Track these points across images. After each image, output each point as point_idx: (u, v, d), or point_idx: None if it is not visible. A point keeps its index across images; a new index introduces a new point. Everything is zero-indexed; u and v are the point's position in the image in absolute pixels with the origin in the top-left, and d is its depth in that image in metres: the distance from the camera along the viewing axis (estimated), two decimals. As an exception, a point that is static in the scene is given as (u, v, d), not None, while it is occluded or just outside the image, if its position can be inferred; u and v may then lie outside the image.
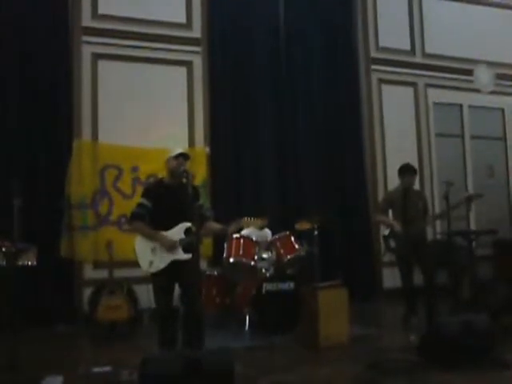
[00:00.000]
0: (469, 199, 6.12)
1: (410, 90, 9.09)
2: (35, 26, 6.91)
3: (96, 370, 4.53)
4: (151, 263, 4.46)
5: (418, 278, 6.18)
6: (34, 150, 6.75)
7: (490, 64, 9.53)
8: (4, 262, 4.94)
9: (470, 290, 6.88)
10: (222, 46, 7.88)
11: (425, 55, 9.24)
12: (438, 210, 8.32)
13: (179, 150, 4.63)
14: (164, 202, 4.50)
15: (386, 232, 6.33)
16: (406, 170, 6.31)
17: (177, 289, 4.56)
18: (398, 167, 6.43)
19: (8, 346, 4.54)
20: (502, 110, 9.83)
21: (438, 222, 8.15)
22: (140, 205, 4.56)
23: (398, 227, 6.11)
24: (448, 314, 6.11)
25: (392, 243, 6.24)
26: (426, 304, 6.03)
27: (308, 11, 8.39)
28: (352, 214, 8.24)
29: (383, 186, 8.53)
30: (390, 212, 6.48)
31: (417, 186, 7.07)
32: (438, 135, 9.21)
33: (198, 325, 4.41)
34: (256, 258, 6.18)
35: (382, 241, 6.58)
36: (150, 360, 3.54)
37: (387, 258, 6.65)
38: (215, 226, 4.81)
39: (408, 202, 6.21)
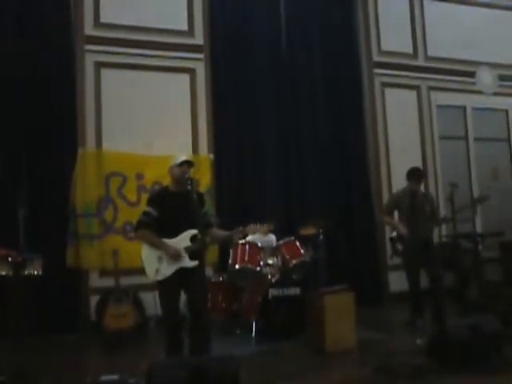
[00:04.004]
0: (475, 202, 6.11)
1: (413, 93, 9.07)
2: (37, 35, 6.93)
3: (103, 378, 4.52)
4: (157, 271, 4.46)
5: (424, 281, 6.16)
6: (39, 159, 6.74)
7: (493, 65, 9.53)
8: (10, 272, 4.94)
9: (477, 292, 6.85)
10: (224, 52, 7.89)
11: (427, 58, 9.21)
12: (442, 212, 8.30)
13: (183, 158, 4.64)
14: (169, 209, 4.49)
15: (393, 235, 6.33)
16: (414, 174, 6.31)
17: (183, 296, 4.56)
18: (401, 169, 6.45)
19: (14, 356, 4.54)
20: (506, 112, 9.81)
21: (444, 225, 8.14)
22: (145, 213, 4.56)
23: (404, 230, 6.10)
24: (455, 316, 6.09)
25: (399, 246, 6.24)
26: (433, 307, 6.02)
27: (309, 16, 8.41)
28: (357, 217, 8.22)
29: (387, 188, 8.50)
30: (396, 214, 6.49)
31: (421, 189, 7.06)
32: (442, 138, 9.19)
33: (205, 332, 4.40)
34: (261, 263, 6.18)
35: (388, 244, 6.57)
36: (157, 367, 3.54)
37: (393, 261, 6.63)
38: (220, 232, 4.82)
39: (415, 205, 6.21)
